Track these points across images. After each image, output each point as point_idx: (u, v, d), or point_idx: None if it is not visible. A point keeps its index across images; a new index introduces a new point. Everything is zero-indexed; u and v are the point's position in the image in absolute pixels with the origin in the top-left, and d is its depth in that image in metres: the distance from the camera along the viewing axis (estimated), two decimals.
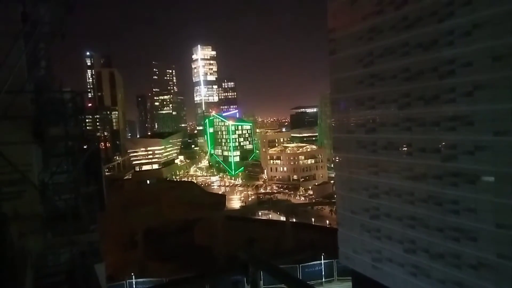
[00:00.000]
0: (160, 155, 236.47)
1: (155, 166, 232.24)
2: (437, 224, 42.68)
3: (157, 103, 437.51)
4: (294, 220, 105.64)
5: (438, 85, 41.46)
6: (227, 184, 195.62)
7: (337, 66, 58.12)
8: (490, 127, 36.06)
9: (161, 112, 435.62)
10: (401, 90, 46.74)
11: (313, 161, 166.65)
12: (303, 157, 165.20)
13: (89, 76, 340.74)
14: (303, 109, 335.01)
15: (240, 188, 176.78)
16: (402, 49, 46.04)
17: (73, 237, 14.33)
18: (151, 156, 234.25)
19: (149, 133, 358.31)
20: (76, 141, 15.88)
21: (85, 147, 16.49)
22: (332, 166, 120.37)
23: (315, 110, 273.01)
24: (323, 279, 65.27)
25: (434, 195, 42.97)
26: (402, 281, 48.22)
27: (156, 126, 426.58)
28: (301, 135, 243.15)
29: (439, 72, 41.27)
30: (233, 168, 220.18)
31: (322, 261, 65.87)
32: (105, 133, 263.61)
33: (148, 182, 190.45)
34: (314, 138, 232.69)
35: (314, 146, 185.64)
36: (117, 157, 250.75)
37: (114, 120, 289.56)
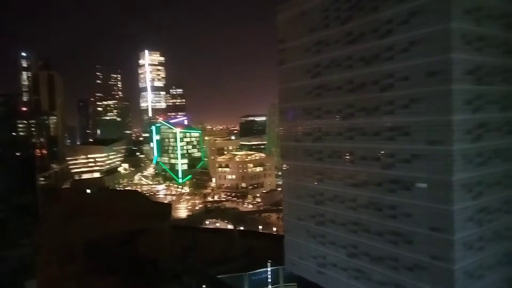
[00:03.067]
0: (102, 163, 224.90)
1: (97, 175, 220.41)
2: (377, 228, 44.92)
3: (100, 109, 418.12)
4: (242, 228, 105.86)
5: (378, 97, 44.05)
6: (173, 192, 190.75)
7: (286, 76, 59.55)
8: (424, 137, 38.90)
9: (105, 118, 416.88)
10: (345, 101, 48.96)
11: (261, 169, 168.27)
12: (251, 165, 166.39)
13: (25, 79, 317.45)
14: (252, 118, 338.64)
15: (187, 197, 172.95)
16: (347, 62, 48.37)
17: (1, 252, 12.96)
18: (92, 164, 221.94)
19: (91, 140, 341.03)
20: (7, 148, 14.48)
21: (17, 154, 15.05)
22: (280, 173, 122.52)
23: (264, 118, 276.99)
24: (270, 286, 65.81)
25: (374, 201, 45.25)
26: (345, 285, 49.88)
27: (98, 133, 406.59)
28: (250, 143, 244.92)
29: (380, 85, 43.88)
30: (180, 176, 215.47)
31: (269, 268, 66.26)
32: (42, 140, 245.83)
33: (88, 191, 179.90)
34: (262, 146, 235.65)
35: (262, 154, 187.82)
36: (54, 165, 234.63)
37: (52, 126, 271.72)
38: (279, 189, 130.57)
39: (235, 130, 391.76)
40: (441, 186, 37.37)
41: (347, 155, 49.40)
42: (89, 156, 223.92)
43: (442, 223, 37.44)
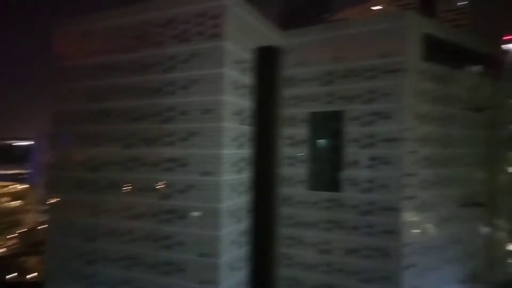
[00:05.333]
0: None
1: None
2: (152, 260, 44.50)
3: None
4: None
5: (160, 129, 45.14)
6: None
7: (61, 98, 53.02)
8: (199, 168, 42.20)
9: None
10: (127, 129, 47.76)
11: (20, 203, 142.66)
12: (8, 199, 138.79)
13: None
14: (14, 142, 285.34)
15: None
16: (131, 91, 47.72)
17: None
18: None
19: None
20: None
21: None
22: (45, 209, 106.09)
23: (30, 143, 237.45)
24: None
25: (151, 233, 44.93)
26: None
27: None
28: (9, 172, 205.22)
29: (162, 117, 45.23)
30: None
31: None
32: None
33: None
34: (25, 176, 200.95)
35: (23, 186, 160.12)
36: None
37: None
38: (43, 226, 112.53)
39: None
40: (211, 214, 40.98)
41: (126, 186, 47.65)
42: None
43: (210, 248, 40.72)
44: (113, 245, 47.27)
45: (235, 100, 43.08)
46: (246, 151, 45.62)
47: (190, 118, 43.05)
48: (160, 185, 44.97)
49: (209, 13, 41.93)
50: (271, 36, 50.70)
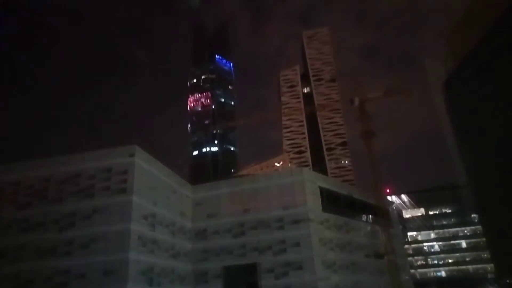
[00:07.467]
0: None
1: None
2: None
3: None
4: None
5: None
6: None
7: None
8: None
9: None
10: None
11: None
12: None
13: None
14: None
15: None
16: (16, 253, 41.02)
17: None
18: None
19: None
20: None
21: None
22: None
23: None
24: None
25: None
26: None
27: None
28: None
29: (52, 284, 38.46)
30: None
31: None
32: None
33: None
34: None
35: None
36: None
37: None
38: None
39: None
40: None
41: None
42: None
43: None
44: None
45: (142, 258, 39.76)
46: None
47: (88, 282, 37.58)
48: None
49: (116, 168, 41.38)
50: (181, 190, 51.61)
